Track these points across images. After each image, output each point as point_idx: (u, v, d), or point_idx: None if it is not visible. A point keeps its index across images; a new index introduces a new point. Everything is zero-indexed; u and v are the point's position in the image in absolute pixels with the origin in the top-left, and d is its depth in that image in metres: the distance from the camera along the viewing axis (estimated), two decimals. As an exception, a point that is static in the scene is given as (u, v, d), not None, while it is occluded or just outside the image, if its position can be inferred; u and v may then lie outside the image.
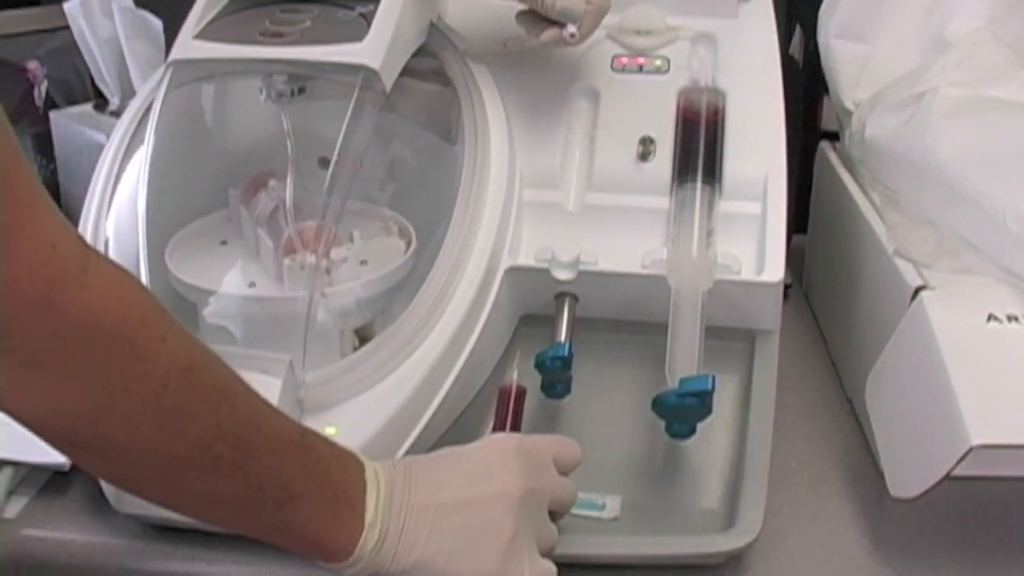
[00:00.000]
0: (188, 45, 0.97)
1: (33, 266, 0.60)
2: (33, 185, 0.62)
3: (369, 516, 0.73)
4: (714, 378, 0.85)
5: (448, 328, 0.91)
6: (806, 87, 1.37)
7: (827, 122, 1.37)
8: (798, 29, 1.44)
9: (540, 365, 0.92)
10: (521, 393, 0.90)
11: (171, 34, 1.24)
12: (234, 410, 0.69)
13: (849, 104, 1.19)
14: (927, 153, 1.01)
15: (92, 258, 0.64)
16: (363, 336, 0.95)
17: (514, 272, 0.97)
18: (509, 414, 0.89)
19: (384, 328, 0.92)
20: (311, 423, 0.86)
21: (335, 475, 0.74)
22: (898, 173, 1.06)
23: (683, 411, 0.87)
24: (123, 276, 0.66)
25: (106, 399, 0.64)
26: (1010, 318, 0.88)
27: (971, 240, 0.96)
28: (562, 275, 0.95)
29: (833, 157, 1.23)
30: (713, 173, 0.97)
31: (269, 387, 0.83)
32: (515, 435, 0.86)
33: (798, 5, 1.43)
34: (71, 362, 0.63)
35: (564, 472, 0.82)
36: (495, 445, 0.80)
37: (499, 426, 0.89)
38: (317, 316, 0.91)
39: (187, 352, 0.67)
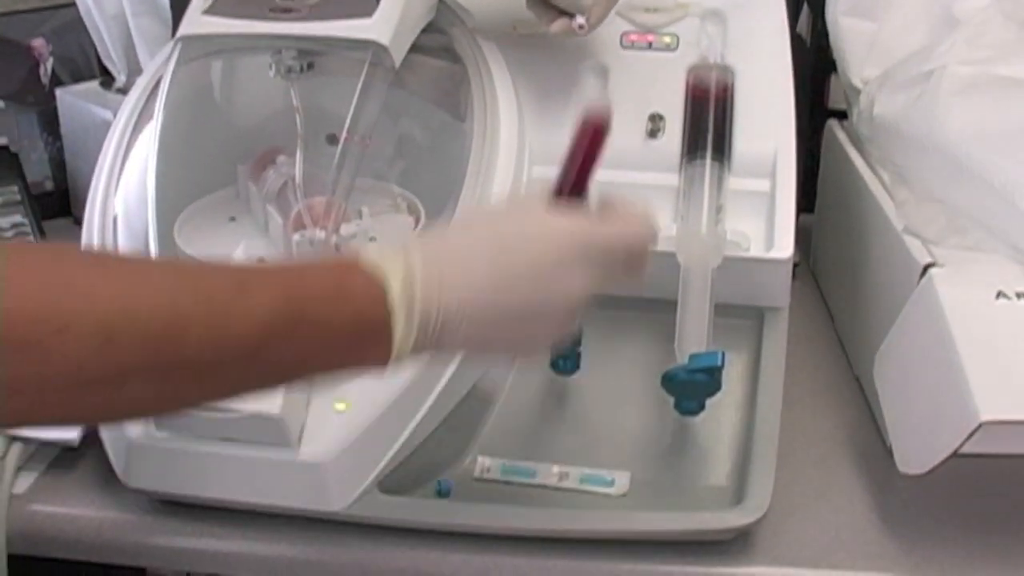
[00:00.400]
0: (197, 20, 0.96)
1: None
2: None
3: (397, 345, 0.68)
4: (723, 354, 0.86)
5: (457, 304, 0.91)
6: (814, 65, 1.37)
7: (834, 100, 1.36)
8: (806, 7, 1.44)
9: (549, 341, 0.92)
10: (601, 130, 0.77)
11: (177, 11, 1.25)
12: (182, 346, 0.62)
13: (857, 82, 1.19)
14: (936, 131, 1.01)
15: None
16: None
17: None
18: (584, 162, 0.77)
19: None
20: (321, 399, 0.87)
21: (346, 323, 0.67)
22: (907, 151, 1.06)
23: (692, 387, 0.88)
24: (9, 278, 0.58)
25: (26, 402, 0.60)
26: (1019, 295, 0.88)
27: (980, 218, 0.96)
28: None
29: (841, 135, 1.23)
30: (722, 150, 0.97)
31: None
32: (581, 221, 0.74)
33: (806, -17, 1.43)
34: None
35: (638, 267, 0.77)
36: (557, 240, 0.73)
37: (566, 178, 0.77)
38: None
39: (99, 328, 0.59)
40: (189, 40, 0.97)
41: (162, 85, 0.99)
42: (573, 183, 0.77)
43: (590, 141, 0.77)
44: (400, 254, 0.70)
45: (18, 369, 0.57)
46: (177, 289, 0.63)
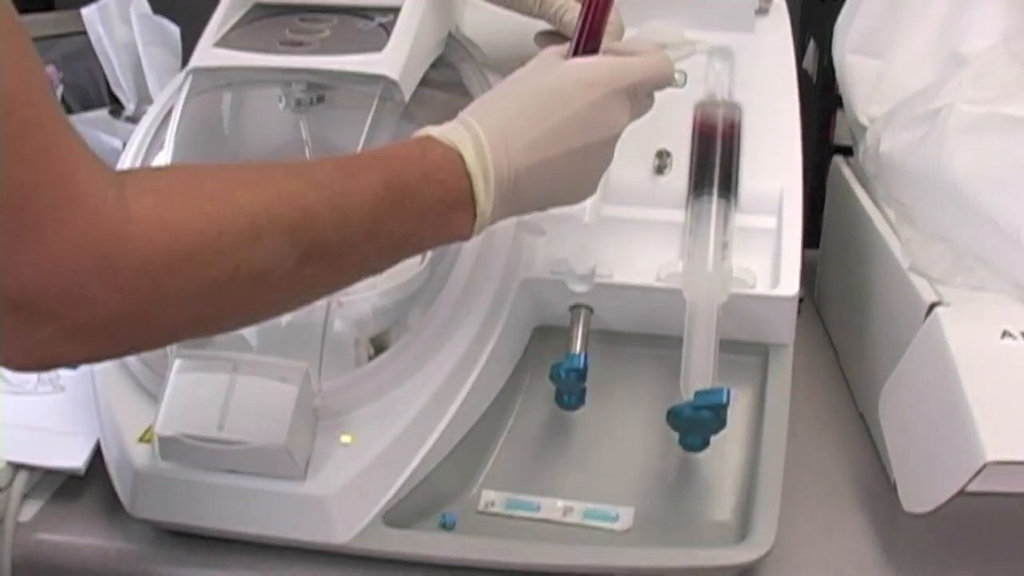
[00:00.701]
0: (208, 53, 0.97)
1: (83, 236, 0.60)
2: (76, 146, 0.62)
3: (481, 206, 0.78)
4: (729, 391, 0.86)
5: (463, 338, 0.91)
6: (820, 101, 1.38)
7: (840, 136, 1.37)
8: (812, 43, 1.44)
9: (555, 376, 0.92)
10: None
11: (188, 40, 1.25)
12: (314, 232, 0.69)
13: (863, 119, 1.19)
14: (942, 169, 1.01)
15: (131, 198, 0.63)
16: (378, 345, 0.95)
17: (529, 283, 0.97)
18: (597, 15, 0.85)
19: (399, 337, 0.93)
20: (327, 431, 0.87)
21: (435, 194, 0.76)
22: (913, 189, 1.06)
23: (698, 424, 0.88)
24: (166, 197, 0.65)
25: (195, 310, 0.67)
26: (1024, 335, 0.88)
27: (986, 257, 0.96)
28: (577, 287, 0.95)
29: (847, 172, 1.23)
30: (729, 187, 0.97)
31: (286, 394, 0.84)
32: (604, 62, 0.85)
33: (812, 19, 1.44)
34: (148, 302, 0.64)
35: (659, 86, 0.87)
36: (592, 84, 0.82)
37: (584, 35, 0.86)
38: (334, 325, 0.91)
39: (248, 227, 0.66)
40: (200, 72, 0.98)
41: (173, 116, 0.99)
42: (587, 40, 0.85)
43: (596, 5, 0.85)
44: (463, 126, 0.79)
45: (186, 278, 0.64)
46: (299, 183, 0.70)
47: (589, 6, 0.85)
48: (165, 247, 0.63)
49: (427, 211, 0.75)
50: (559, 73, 0.83)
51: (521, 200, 0.81)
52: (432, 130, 0.79)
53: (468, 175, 0.77)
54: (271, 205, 0.68)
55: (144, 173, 0.72)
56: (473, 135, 0.78)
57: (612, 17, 0.93)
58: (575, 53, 0.85)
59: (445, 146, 0.77)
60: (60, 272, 0.60)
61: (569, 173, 0.83)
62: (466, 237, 0.79)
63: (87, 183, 0.61)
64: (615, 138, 0.84)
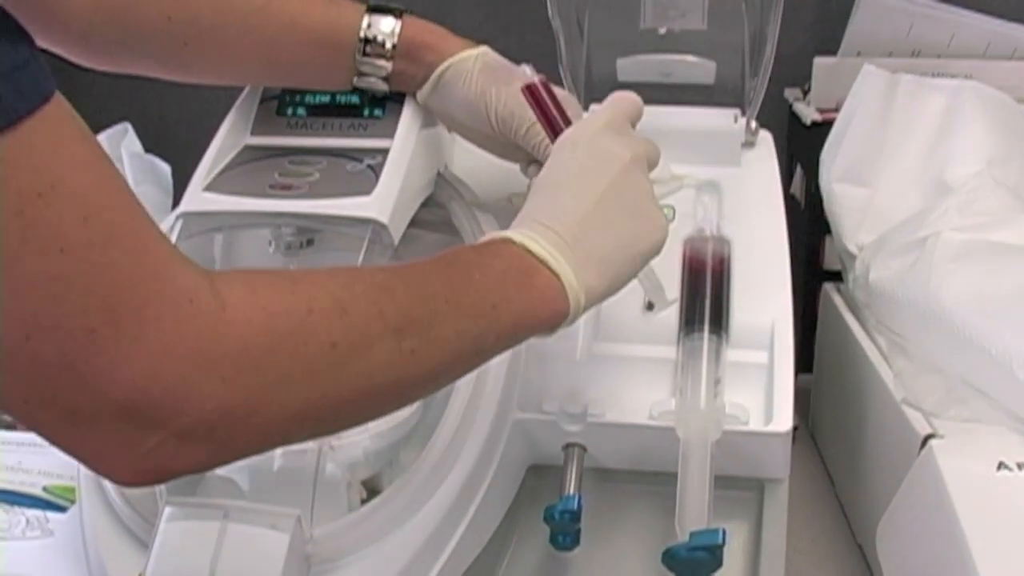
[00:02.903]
0: (198, 197, 0.97)
1: (182, 331, 0.60)
2: (161, 242, 0.62)
3: (563, 271, 0.78)
4: (724, 531, 0.85)
5: (457, 481, 0.90)
6: (808, 227, 1.38)
7: (829, 261, 1.37)
8: (799, 169, 1.46)
9: (549, 518, 0.91)
10: (547, 84, 0.92)
11: (179, 178, 1.26)
12: (395, 301, 0.70)
13: (852, 248, 1.20)
14: (932, 298, 1.01)
15: (222, 289, 0.63)
16: (370, 487, 0.94)
17: (522, 424, 0.96)
18: (552, 108, 0.91)
19: (392, 479, 0.92)
20: (319, 578, 0.86)
21: (492, 264, 0.77)
22: (904, 318, 1.07)
23: (694, 564, 0.87)
24: (252, 285, 0.65)
25: (302, 397, 0.65)
26: (1020, 466, 0.88)
27: (979, 386, 0.96)
28: (570, 427, 0.95)
29: (838, 300, 1.24)
30: (720, 323, 0.97)
31: (277, 543, 0.83)
32: (591, 116, 0.90)
33: (798, 145, 1.45)
34: (253, 390, 0.63)
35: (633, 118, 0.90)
36: (586, 130, 0.87)
37: (553, 122, 0.91)
38: (326, 468, 0.90)
39: (334, 303, 0.67)
40: (190, 216, 0.98)
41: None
42: (556, 121, 0.90)
43: (547, 94, 0.91)
44: (525, 227, 0.80)
45: (287, 358, 0.63)
46: (365, 271, 0.75)
47: (537, 100, 0.91)
48: (262, 330, 0.63)
49: (503, 276, 0.76)
50: (560, 148, 0.87)
51: (592, 250, 0.81)
52: (511, 233, 0.80)
53: (527, 250, 0.78)
54: (349, 283, 0.69)
55: (227, 271, 0.73)
56: (538, 232, 0.80)
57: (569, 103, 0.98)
58: (554, 133, 0.90)
59: (550, 283, 0.78)
60: (162, 371, 0.59)
61: (616, 206, 0.83)
62: (564, 308, 0.79)
63: (179, 278, 0.61)
64: (628, 163, 0.85)
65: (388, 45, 0.99)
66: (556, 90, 0.93)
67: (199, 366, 0.60)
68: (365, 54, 1.00)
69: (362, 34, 0.99)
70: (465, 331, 0.73)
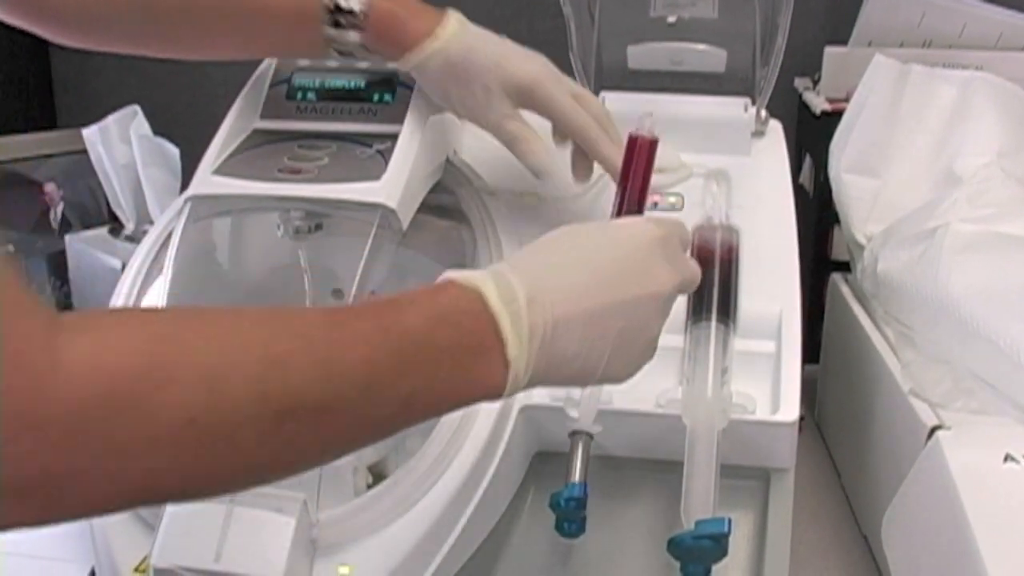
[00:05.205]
0: (207, 180, 0.97)
1: (7, 389, 0.53)
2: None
3: (512, 352, 0.69)
4: (730, 521, 0.85)
5: (463, 466, 0.90)
6: (817, 216, 1.38)
7: (837, 252, 1.37)
8: (808, 159, 1.45)
9: (555, 505, 0.91)
10: (653, 145, 0.88)
11: (188, 161, 1.26)
12: (287, 388, 0.60)
13: (861, 238, 1.20)
14: (940, 290, 1.01)
15: (64, 344, 0.55)
16: (376, 472, 0.94)
17: (529, 410, 0.96)
18: (640, 179, 0.88)
19: (398, 463, 0.92)
20: (325, 562, 0.86)
21: (449, 339, 0.67)
22: (911, 309, 1.06)
23: (699, 553, 0.86)
24: (105, 340, 0.57)
25: (143, 468, 0.58)
26: (1026, 458, 0.88)
27: (986, 378, 0.96)
28: (577, 414, 0.95)
29: (845, 290, 1.24)
30: (727, 311, 0.97)
31: (283, 527, 0.83)
32: (651, 220, 0.82)
33: (807, 135, 1.45)
34: (88, 457, 0.55)
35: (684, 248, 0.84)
36: (639, 237, 0.78)
37: (627, 196, 0.88)
38: (332, 453, 0.90)
39: (202, 375, 0.58)
40: (199, 199, 0.98)
41: (172, 242, 0.99)
42: (635, 201, 0.87)
43: (646, 157, 0.87)
44: (490, 271, 0.72)
45: (127, 429, 0.56)
46: (269, 331, 0.62)
47: (639, 169, 0.87)
48: (99, 395, 0.55)
49: (440, 360, 0.67)
50: (605, 229, 0.80)
51: (560, 358, 0.72)
52: (453, 274, 0.72)
53: (492, 316, 0.69)
54: (230, 351, 0.60)
55: (87, 313, 0.62)
56: (498, 275, 0.71)
57: (599, 111, 0.99)
58: (619, 213, 0.87)
59: (463, 286, 0.70)
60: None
61: (612, 332, 0.74)
62: (498, 393, 0.70)
63: (10, 324, 0.54)
64: (660, 303, 0.78)
65: (357, 10, 0.97)
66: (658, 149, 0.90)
67: (20, 427, 0.54)
68: (336, 25, 0.98)
69: (325, 1, 0.97)
70: (371, 418, 0.66)
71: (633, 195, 0.88)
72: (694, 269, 0.83)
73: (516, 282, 0.71)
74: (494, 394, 0.70)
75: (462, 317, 0.68)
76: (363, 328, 0.65)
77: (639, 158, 0.88)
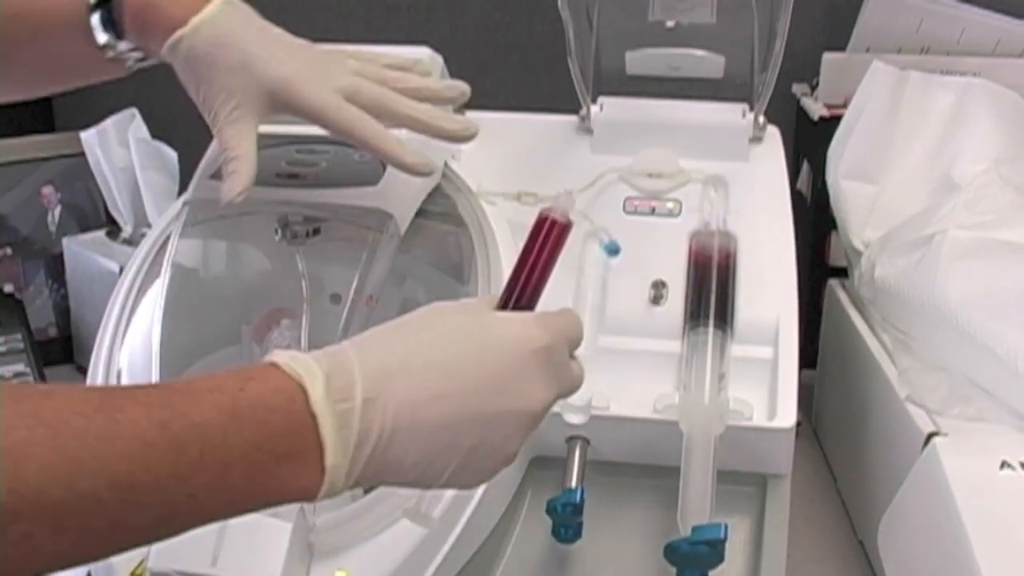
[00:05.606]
0: (204, 185, 0.98)
1: None
2: None
3: (331, 460, 0.60)
4: (727, 527, 0.85)
5: (460, 472, 0.90)
6: (814, 222, 1.38)
7: (835, 257, 1.37)
8: (806, 164, 1.45)
9: (551, 510, 0.91)
10: (565, 230, 0.76)
11: (186, 165, 1.26)
12: (24, 479, 0.51)
13: (858, 244, 1.20)
14: (937, 296, 1.01)
15: None
16: (374, 476, 0.94)
17: (526, 415, 0.96)
18: (542, 267, 0.74)
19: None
20: (321, 567, 0.86)
21: (248, 440, 0.58)
22: (909, 315, 1.06)
23: (695, 559, 0.87)
24: None
25: None
26: (1023, 465, 0.88)
27: (983, 384, 0.96)
28: (574, 419, 0.95)
29: (843, 296, 1.24)
30: (725, 317, 0.97)
31: (279, 531, 0.83)
32: (538, 323, 0.70)
33: (806, 141, 1.45)
34: None
35: (572, 350, 0.73)
36: (517, 345, 0.67)
37: (520, 286, 0.74)
38: (328, 458, 0.90)
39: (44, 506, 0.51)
40: (196, 203, 0.98)
41: (170, 245, 0.99)
42: (530, 292, 0.74)
43: (554, 243, 0.75)
44: (323, 356, 0.62)
45: None
46: (16, 412, 0.52)
47: (542, 254, 0.76)
48: None
49: (232, 463, 0.57)
50: (481, 321, 0.69)
51: (395, 466, 0.63)
52: (280, 356, 0.62)
53: (312, 416, 0.59)
54: None
55: None
56: (337, 364, 0.62)
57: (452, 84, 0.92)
58: (509, 302, 0.74)
59: (283, 377, 0.60)
60: None
61: (462, 448, 0.65)
62: (308, 498, 0.61)
63: None
64: (527, 420, 0.68)
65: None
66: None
67: None
68: (103, 24, 0.90)
69: None
70: (132, 523, 0.56)
71: (529, 285, 0.75)
72: (576, 378, 0.73)
73: (358, 374, 0.62)
74: (304, 498, 0.61)
75: (270, 415, 0.59)
76: (136, 418, 0.55)
77: (545, 242, 0.76)
